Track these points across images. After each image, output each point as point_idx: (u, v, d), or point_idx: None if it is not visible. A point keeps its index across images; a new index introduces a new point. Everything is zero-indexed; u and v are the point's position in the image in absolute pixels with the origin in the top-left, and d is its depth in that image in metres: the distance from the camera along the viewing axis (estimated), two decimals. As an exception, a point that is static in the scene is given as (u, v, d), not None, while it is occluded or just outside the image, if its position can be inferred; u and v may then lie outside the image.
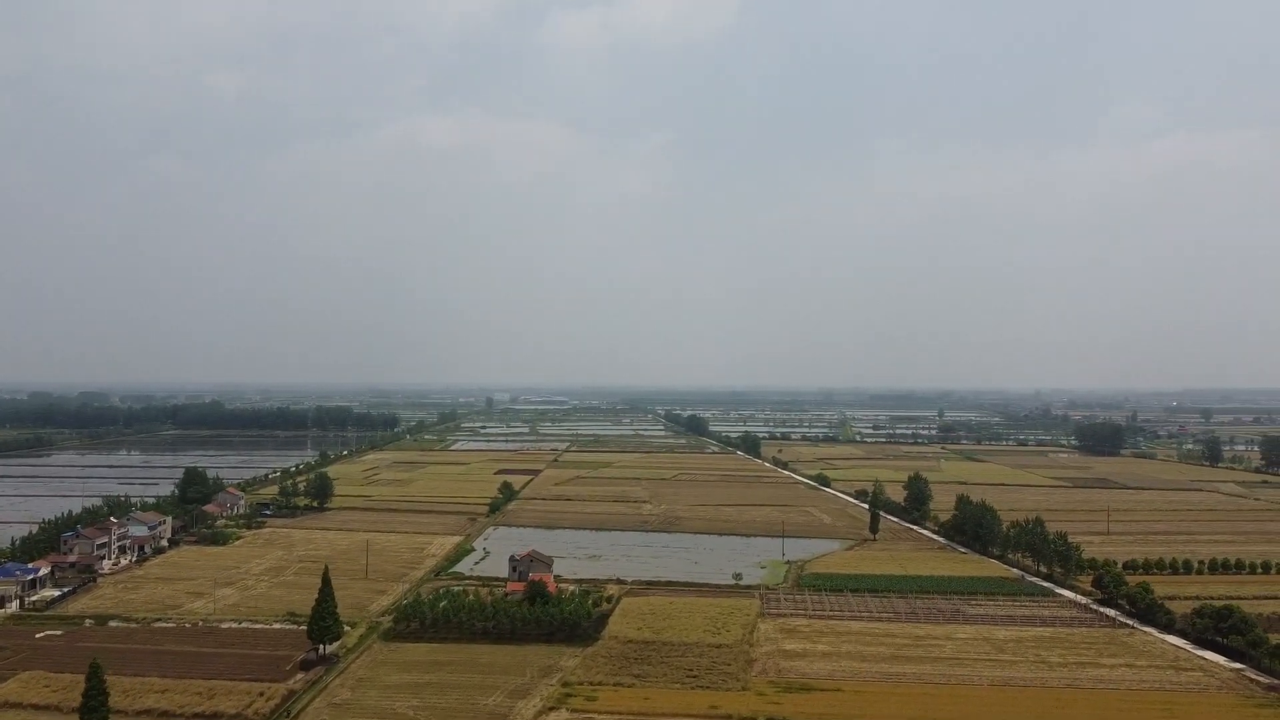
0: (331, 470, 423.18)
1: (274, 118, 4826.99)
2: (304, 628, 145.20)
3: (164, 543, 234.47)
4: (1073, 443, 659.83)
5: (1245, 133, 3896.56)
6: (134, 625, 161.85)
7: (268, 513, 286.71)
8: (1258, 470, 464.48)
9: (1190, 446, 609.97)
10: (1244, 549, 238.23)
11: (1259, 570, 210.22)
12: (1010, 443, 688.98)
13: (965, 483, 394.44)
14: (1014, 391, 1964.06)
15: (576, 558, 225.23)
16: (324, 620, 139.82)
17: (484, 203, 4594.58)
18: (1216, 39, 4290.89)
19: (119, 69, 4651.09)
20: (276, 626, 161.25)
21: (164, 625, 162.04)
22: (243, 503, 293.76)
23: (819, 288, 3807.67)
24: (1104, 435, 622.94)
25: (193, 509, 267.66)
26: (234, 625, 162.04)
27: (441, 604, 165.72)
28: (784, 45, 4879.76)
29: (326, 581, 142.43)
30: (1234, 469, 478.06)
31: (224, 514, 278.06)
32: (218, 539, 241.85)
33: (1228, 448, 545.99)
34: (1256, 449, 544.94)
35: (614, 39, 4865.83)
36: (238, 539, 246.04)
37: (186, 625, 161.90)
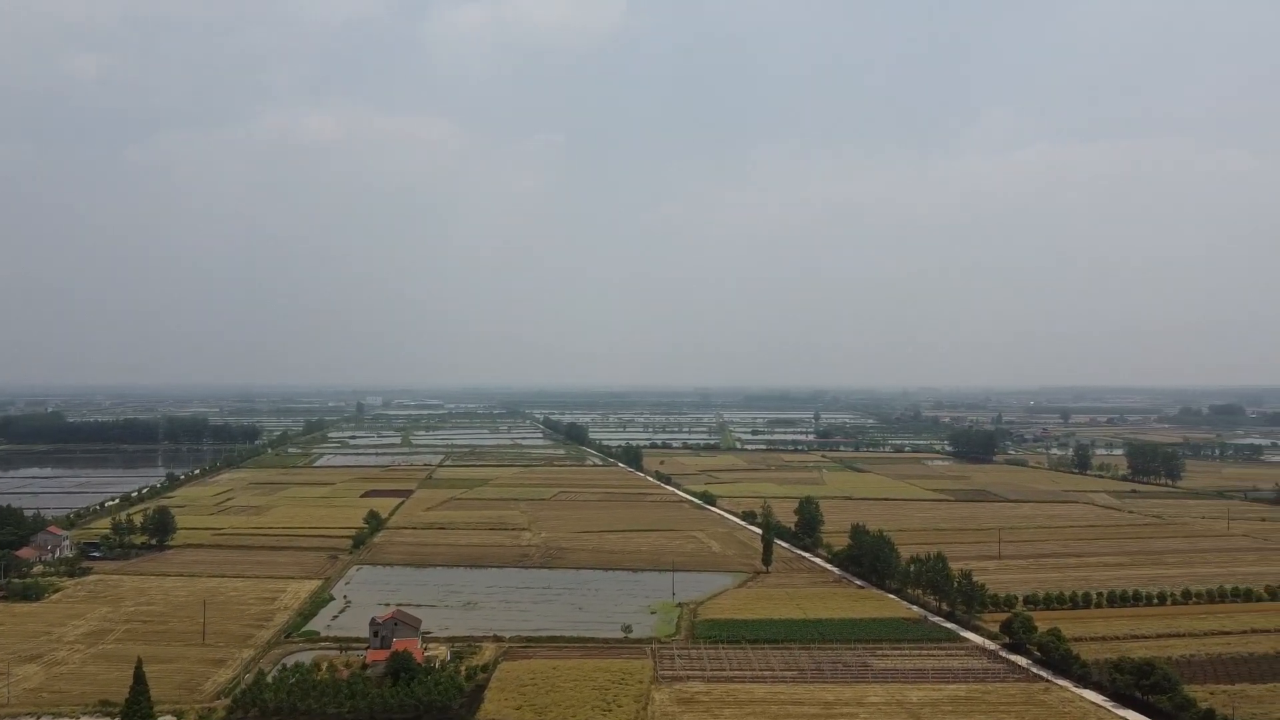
0: (181, 494, 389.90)
1: (138, 104, 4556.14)
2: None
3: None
4: (947, 449, 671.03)
5: (1100, 145, 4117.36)
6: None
7: (96, 555, 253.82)
8: (1125, 478, 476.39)
9: (1057, 452, 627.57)
10: (1135, 574, 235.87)
11: (1155, 602, 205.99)
12: (888, 449, 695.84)
13: (850, 497, 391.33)
14: (883, 391, 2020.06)
15: (449, 605, 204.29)
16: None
17: (365, 199, 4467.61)
18: (1076, 55, 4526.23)
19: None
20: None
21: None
22: (67, 543, 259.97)
23: (696, 287, 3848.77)
24: (977, 441, 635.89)
25: (4, 555, 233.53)
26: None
27: (290, 682, 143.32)
28: (669, 47, 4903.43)
29: (139, 678, 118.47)
30: (1102, 476, 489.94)
31: (43, 558, 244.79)
32: (30, 593, 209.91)
33: (1093, 453, 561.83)
34: (1121, 454, 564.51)
35: (500, 35, 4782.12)
36: (56, 591, 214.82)
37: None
